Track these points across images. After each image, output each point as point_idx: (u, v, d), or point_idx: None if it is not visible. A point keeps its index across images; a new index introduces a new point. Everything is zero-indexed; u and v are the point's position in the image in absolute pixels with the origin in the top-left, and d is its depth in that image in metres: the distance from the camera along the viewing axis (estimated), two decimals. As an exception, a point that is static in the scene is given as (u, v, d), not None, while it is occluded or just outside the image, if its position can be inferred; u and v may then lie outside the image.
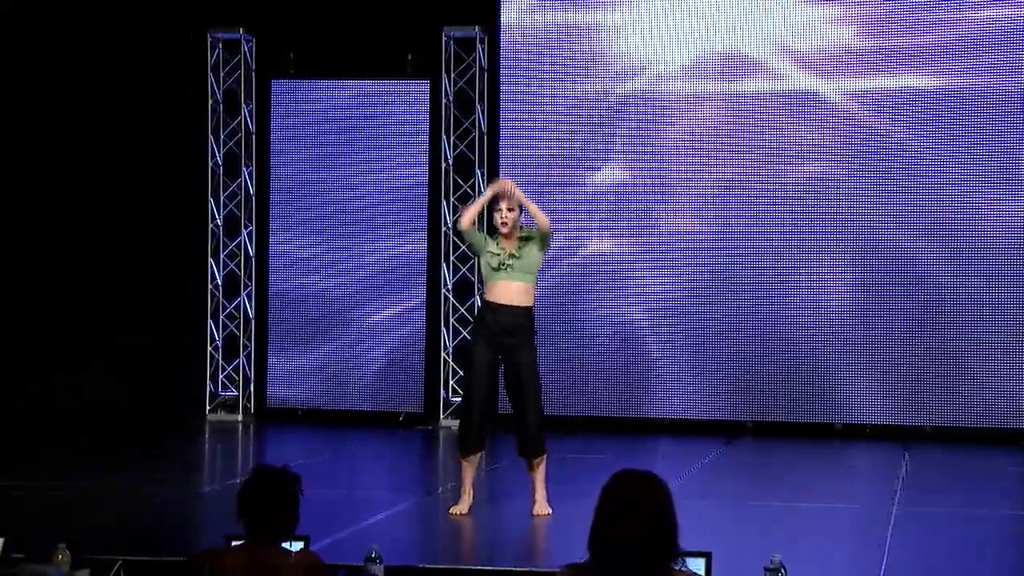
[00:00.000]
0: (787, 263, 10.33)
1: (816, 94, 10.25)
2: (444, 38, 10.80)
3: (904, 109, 10.15)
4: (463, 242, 7.29)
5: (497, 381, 7.07)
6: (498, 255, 6.90)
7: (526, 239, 6.96)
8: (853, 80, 10.19)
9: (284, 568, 3.73)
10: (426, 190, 10.86)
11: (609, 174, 10.53)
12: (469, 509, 7.00)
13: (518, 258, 6.91)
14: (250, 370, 11.15)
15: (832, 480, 8.67)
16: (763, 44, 10.31)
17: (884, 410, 10.21)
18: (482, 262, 7.02)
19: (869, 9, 10.19)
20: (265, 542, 3.79)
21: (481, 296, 7.05)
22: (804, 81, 10.26)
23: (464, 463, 7.03)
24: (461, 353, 10.74)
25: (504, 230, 6.93)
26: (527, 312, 6.95)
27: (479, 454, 7.06)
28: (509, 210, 6.95)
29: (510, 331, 6.89)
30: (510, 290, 6.91)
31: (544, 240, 7.00)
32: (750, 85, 10.32)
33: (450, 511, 7.01)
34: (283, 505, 3.78)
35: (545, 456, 7.04)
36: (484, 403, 6.98)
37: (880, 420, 10.22)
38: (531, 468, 7.04)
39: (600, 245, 10.49)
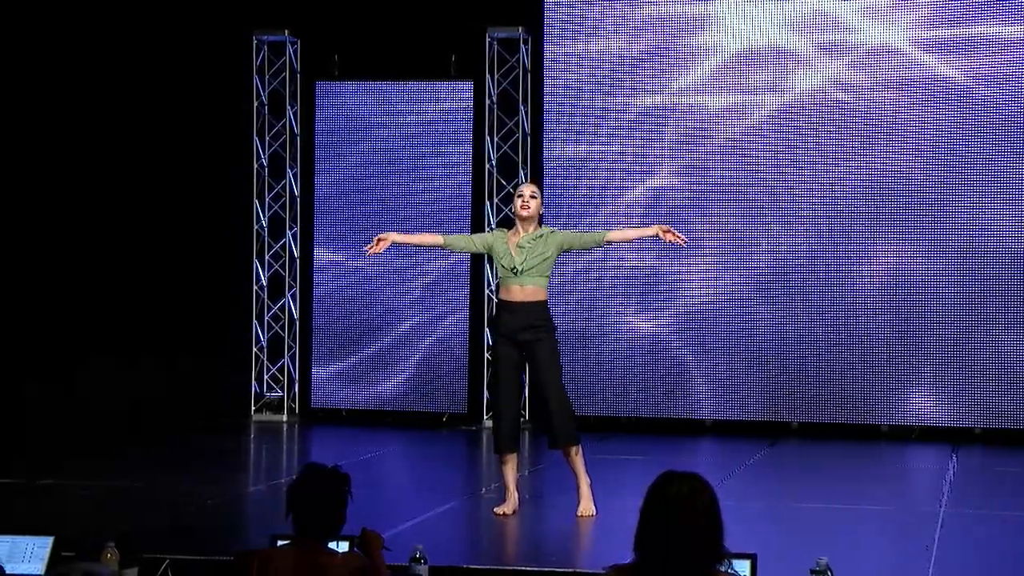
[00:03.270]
0: (834, 264, 10.26)
1: (864, 91, 10.18)
2: (488, 39, 10.81)
3: (948, 106, 10.07)
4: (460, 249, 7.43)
5: (523, 377, 7.07)
6: (508, 257, 6.90)
7: (541, 237, 6.94)
8: (894, 74, 10.12)
9: (330, 568, 3.75)
10: (470, 191, 10.88)
11: (653, 176, 10.49)
12: (514, 510, 7.00)
13: (530, 259, 6.87)
14: (295, 371, 11.21)
15: (878, 482, 8.60)
16: (806, 41, 10.25)
17: (932, 411, 10.12)
18: (496, 264, 7.04)
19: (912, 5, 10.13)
20: (311, 541, 3.81)
21: (496, 295, 7.09)
22: (853, 79, 10.19)
23: (503, 463, 7.03)
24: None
25: (525, 213, 6.92)
26: (542, 306, 6.96)
27: (515, 453, 7.04)
28: (532, 196, 6.95)
29: (527, 327, 6.89)
30: (522, 293, 6.92)
31: (574, 246, 7.01)
32: (799, 85, 10.26)
33: (494, 511, 7.02)
34: (331, 504, 3.80)
35: (580, 447, 6.98)
36: (513, 400, 6.99)
37: (928, 422, 10.13)
38: (568, 460, 7.00)
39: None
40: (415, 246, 7.30)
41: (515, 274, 6.89)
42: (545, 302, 6.98)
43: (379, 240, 7.09)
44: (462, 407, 10.87)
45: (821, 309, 10.27)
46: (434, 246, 7.30)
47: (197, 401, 11.09)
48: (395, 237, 7.16)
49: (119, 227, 11.30)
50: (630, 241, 7.51)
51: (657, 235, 7.13)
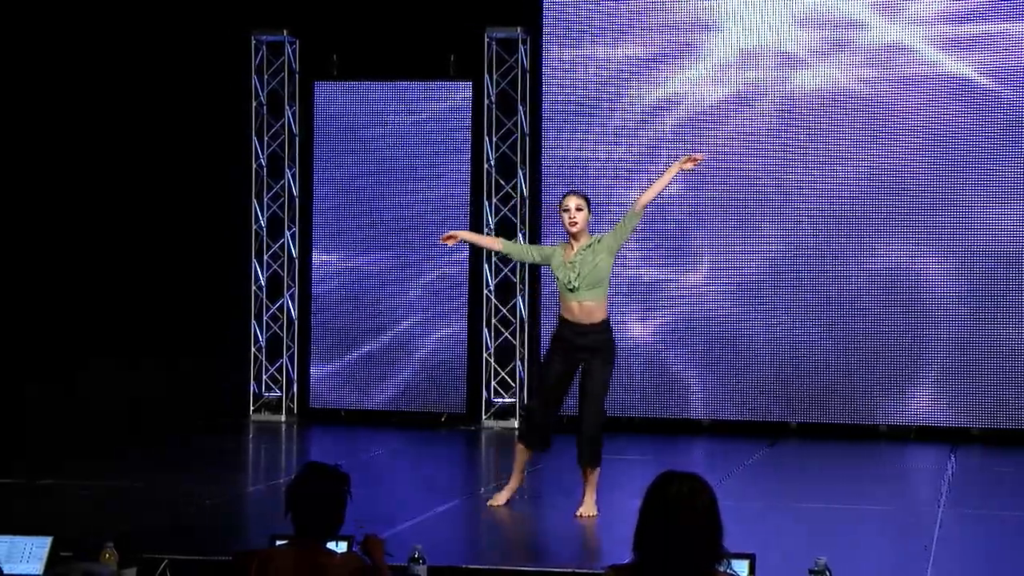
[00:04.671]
0: (834, 264, 10.26)
1: (863, 90, 10.18)
2: (487, 39, 10.81)
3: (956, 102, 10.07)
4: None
5: (566, 392, 7.11)
6: (564, 274, 6.92)
7: (590, 247, 6.94)
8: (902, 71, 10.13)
9: (329, 568, 3.75)
10: (468, 191, 10.88)
11: (653, 175, 10.47)
12: (507, 500, 7.11)
13: (583, 273, 6.89)
14: (293, 371, 11.21)
15: (878, 482, 8.61)
16: (808, 39, 10.25)
17: (930, 411, 10.12)
18: (553, 277, 7.09)
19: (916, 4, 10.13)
20: (311, 541, 3.81)
21: (560, 310, 7.12)
22: (848, 78, 10.20)
23: (520, 451, 7.15)
24: (503, 354, 10.79)
25: (574, 229, 6.93)
26: (604, 325, 6.98)
27: (531, 452, 7.18)
28: (578, 210, 6.95)
29: (587, 347, 6.94)
30: (581, 310, 6.94)
31: (621, 240, 7.00)
32: (796, 83, 10.26)
33: (489, 503, 7.11)
34: (331, 504, 3.81)
35: (599, 469, 7.06)
36: (549, 410, 7.06)
37: (926, 422, 10.14)
38: (584, 476, 7.08)
39: (643, 246, 10.46)
40: (478, 246, 7.49)
41: (572, 291, 6.91)
42: (607, 320, 6.98)
43: (451, 236, 7.26)
44: (461, 407, 10.87)
45: (820, 309, 10.27)
46: (492, 249, 7.50)
47: (197, 401, 11.09)
48: (463, 235, 7.46)
49: (119, 227, 11.30)
50: (662, 190, 7.42)
51: (682, 170, 7.14)
